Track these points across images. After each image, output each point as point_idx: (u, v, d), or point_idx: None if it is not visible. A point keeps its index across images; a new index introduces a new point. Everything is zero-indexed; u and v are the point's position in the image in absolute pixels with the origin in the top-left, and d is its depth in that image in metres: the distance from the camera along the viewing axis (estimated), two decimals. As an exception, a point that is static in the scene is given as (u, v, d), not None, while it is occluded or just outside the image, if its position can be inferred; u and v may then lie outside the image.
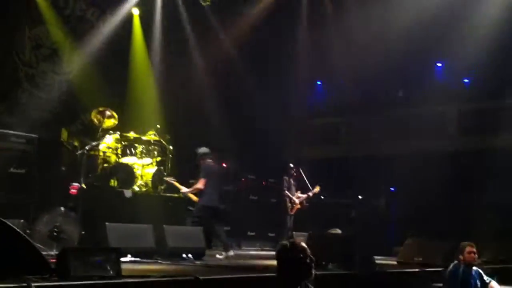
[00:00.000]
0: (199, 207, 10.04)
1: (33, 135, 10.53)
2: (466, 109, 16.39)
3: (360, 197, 15.21)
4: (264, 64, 15.92)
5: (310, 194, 12.19)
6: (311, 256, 4.05)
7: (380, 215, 14.75)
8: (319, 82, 19.10)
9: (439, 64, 17.51)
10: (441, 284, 7.56)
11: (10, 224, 5.21)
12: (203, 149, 10.40)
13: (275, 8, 15.29)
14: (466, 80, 17.11)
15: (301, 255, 4.01)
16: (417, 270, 8.53)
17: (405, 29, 14.78)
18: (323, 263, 8.16)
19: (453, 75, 16.92)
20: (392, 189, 15.23)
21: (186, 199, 11.41)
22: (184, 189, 10.42)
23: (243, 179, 13.74)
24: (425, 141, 15.86)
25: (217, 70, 14.87)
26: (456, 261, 7.15)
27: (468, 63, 15.22)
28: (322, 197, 13.14)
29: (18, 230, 5.33)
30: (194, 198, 10.31)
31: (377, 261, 8.47)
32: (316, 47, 16.35)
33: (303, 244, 4.13)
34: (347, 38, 15.88)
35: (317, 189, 12.23)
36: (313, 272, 4.04)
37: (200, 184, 9.95)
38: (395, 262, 9.38)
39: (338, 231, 10.26)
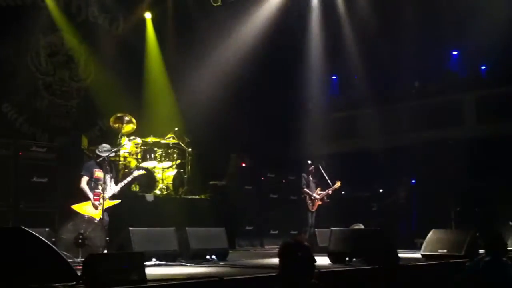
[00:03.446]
0: None
1: (54, 144, 10.68)
2: (484, 96, 16.22)
3: (380, 190, 15.15)
4: (278, 62, 15.87)
5: (329, 191, 12.15)
6: (312, 255, 4.08)
7: (401, 208, 14.65)
8: (334, 77, 19.04)
9: (454, 53, 17.37)
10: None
11: (35, 234, 5.29)
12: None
13: (287, 5, 15.25)
14: (483, 67, 16.95)
15: (304, 253, 4.03)
16: (442, 262, 8.48)
17: (419, 18, 14.71)
18: (347, 259, 8.18)
19: (469, 63, 16.79)
20: (412, 181, 15.13)
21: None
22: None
23: (262, 178, 13.75)
24: (443, 131, 15.76)
25: (231, 70, 14.87)
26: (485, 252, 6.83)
27: (484, 50, 15.08)
28: (343, 193, 13.10)
29: (43, 239, 5.41)
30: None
31: (400, 255, 8.44)
32: (330, 42, 16.30)
33: (306, 243, 4.16)
34: (360, 31, 15.80)
35: (337, 184, 12.18)
36: (315, 270, 4.07)
37: None
38: (419, 255, 9.33)
39: (361, 226, 10.25)
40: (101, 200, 8.72)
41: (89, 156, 11.13)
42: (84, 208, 8.81)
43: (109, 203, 8.98)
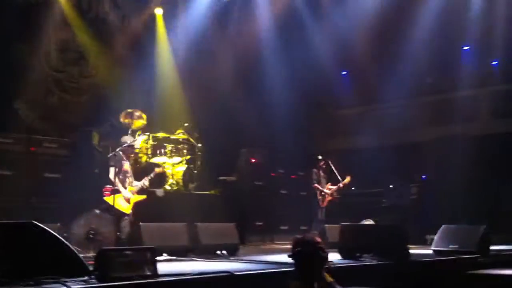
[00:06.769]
0: None
1: (65, 139, 10.72)
2: (496, 92, 16.09)
3: (391, 186, 15.07)
4: (288, 56, 15.83)
5: (341, 185, 12.13)
6: (325, 249, 4.08)
7: (412, 203, 14.58)
8: (344, 72, 18.93)
9: (466, 48, 17.21)
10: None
11: (47, 228, 5.32)
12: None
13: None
14: (494, 62, 16.80)
15: (315, 249, 4.04)
16: (453, 258, 8.44)
17: (430, 14, 14.64)
18: (357, 254, 8.15)
19: (481, 58, 16.63)
20: (423, 177, 15.03)
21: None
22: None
23: (272, 174, 13.76)
24: (456, 126, 15.65)
25: (242, 65, 14.86)
26: None
27: (496, 45, 14.97)
28: (353, 188, 13.06)
29: (56, 233, 5.44)
30: None
31: (411, 251, 8.40)
32: (339, 36, 16.22)
33: (317, 238, 4.18)
34: (370, 25, 15.72)
35: (347, 179, 12.15)
36: (327, 264, 4.09)
37: None
38: (430, 251, 9.29)
39: (371, 221, 10.21)
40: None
41: (99, 152, 11.18)
42: (115, 201, 8.85)
43: (138, 198, 9.14)
